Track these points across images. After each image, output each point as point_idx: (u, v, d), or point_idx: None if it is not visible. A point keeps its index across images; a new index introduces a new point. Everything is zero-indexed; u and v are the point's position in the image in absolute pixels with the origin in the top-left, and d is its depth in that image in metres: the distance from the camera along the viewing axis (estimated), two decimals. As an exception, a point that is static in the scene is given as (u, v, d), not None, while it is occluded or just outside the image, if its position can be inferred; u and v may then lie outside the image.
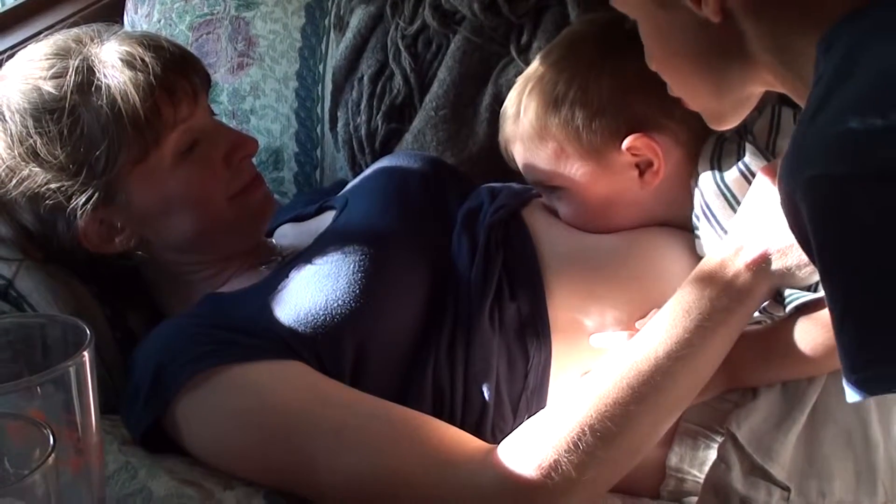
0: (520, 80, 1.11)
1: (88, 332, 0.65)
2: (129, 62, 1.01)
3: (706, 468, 0.91)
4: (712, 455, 0.91)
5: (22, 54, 1.06)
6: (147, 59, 1.01)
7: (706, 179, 0.95)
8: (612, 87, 1.01)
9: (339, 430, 0.88)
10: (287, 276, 1.00)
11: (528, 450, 0.85)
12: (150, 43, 1.04)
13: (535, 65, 1.10)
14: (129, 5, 1.48)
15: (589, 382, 0.88)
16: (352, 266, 0.99)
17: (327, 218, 1.14)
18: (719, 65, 0.81)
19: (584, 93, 1.02)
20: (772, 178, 0.88)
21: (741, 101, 0.85)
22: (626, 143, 0.98)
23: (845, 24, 0.70)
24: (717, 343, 0.86)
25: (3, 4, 1.57)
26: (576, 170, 1.05)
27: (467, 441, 0.89)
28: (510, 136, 1.10)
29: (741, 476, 0.89)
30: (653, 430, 0.89)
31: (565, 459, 0.84)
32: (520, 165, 1.10)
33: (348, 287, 0.97)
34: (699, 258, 0.94)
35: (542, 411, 0.91)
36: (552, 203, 1.10)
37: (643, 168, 1.00)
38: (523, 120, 1.07)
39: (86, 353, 0.63)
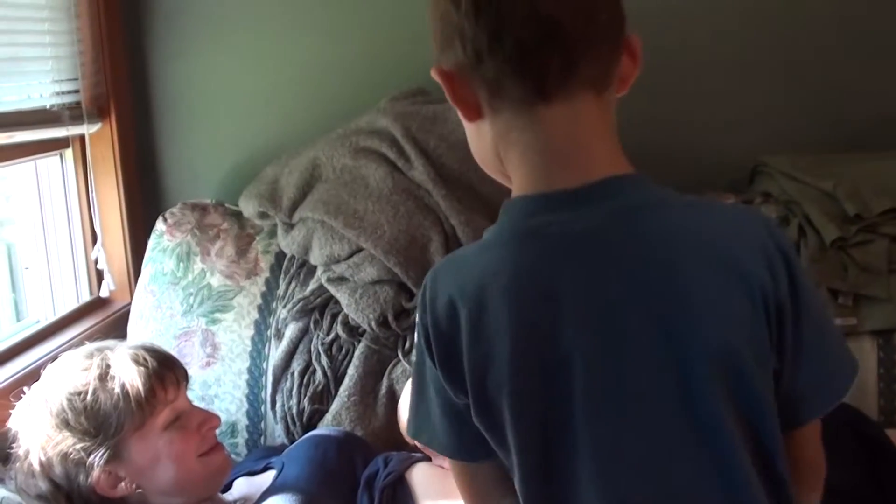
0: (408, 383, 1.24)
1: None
2: (134, 359, 1.20)
3: None
4: None
5: (62, 357, 1.24)
6: (147, 358, 1.20)
7: None
8: None
9: None
10: None
11: None
12: (149, 347, 1.24)
13: None
14: (132, 319, 1.64)
15: None
16: None
17: (269, 477, 1.30)
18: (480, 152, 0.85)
19: None
20: None
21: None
22: None
23: (509, 204, 0.81)
24: None
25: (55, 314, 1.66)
26: None
27: None
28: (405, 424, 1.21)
29: None
30: None
31: None
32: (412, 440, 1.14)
33: None
34: None
35: None
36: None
37: None
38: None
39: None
